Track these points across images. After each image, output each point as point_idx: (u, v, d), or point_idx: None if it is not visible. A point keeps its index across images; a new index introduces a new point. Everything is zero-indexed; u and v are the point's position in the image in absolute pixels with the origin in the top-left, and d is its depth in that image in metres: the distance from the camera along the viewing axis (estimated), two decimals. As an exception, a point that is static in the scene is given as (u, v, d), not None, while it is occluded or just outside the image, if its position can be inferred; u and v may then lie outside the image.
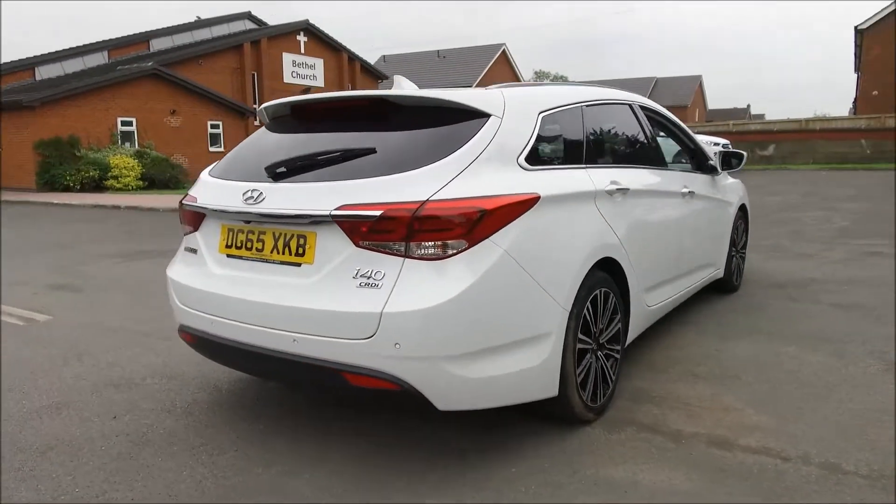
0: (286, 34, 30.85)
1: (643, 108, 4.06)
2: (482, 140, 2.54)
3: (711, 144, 20.19)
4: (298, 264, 2.53)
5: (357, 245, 2.39)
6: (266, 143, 3.08)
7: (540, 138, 2.84)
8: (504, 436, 2.87)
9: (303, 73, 31.64)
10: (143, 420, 3.16)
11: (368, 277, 2.36)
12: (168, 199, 16.26)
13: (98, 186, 20.38)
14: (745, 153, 4.68)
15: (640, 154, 3.86)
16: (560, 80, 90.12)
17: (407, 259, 2.33)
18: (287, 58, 30.87)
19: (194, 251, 2.95)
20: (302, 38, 31.48)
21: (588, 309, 2.83)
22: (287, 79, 30.88)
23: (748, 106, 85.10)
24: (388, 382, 2.34)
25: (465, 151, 2.48)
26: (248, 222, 2.68)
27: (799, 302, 5.09)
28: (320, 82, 32.43)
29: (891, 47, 25.62)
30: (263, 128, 3.25)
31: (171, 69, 24.45)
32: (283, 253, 2.58)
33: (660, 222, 3.76)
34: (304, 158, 2.66)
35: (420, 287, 2.31)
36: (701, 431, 2.89)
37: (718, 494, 2.38)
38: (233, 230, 2.77)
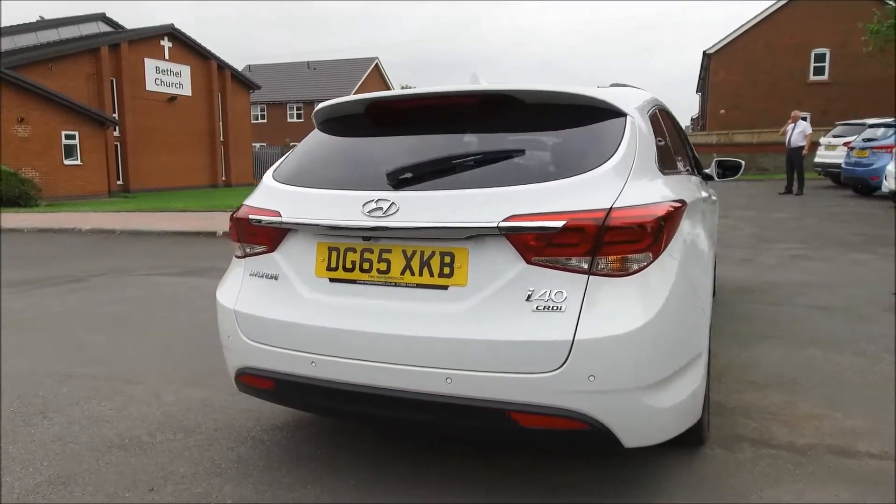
0: (149, 39, 28.55)
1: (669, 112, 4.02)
2: (632, 142, 2.30)
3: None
4: (444, 287, 2.13)
5: (529, 262, 2.04)
6: (351, 147, 2.63)
7: (657, 140, 2.65)
8: (607, 469, 2.62)
9: (168, 80, 29.42)
10: (193, 489, 2.54)
11: (547, 299, 2.02)
12: (32, 218, 14.25)
13: (-71, 206, 17.50)
14: (742, 161, 4.79)
15: (690, 158, 3.81)
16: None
17: (592, 276, 2.02)
18: (150, 64, 28.56)
19: (273, 277, 2.41)
20: (166, 44, 29.29)
21: None
22: (150, 86, 28.56)
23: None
24: (573, 421, 2.01)
25: (624, 154, 2.22)
26: (368, 239, 2.23)
27: (780, 306, 5.31)
28: (187, 91, 30.35)
29: (735, 70, 28.64)
30: (327, 130, 2.76)
31: (18, 73, 21.65)
32: (421, 274, 2.16)
33: (710, 227, 3.72)
34: (438, 163, 2.25)
35: (612, 308, 2.01)
36: (813, 442, 2.84)
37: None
38: (338, 249, 2.29)
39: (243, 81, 33.81)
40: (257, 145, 36.69)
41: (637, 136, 2.35)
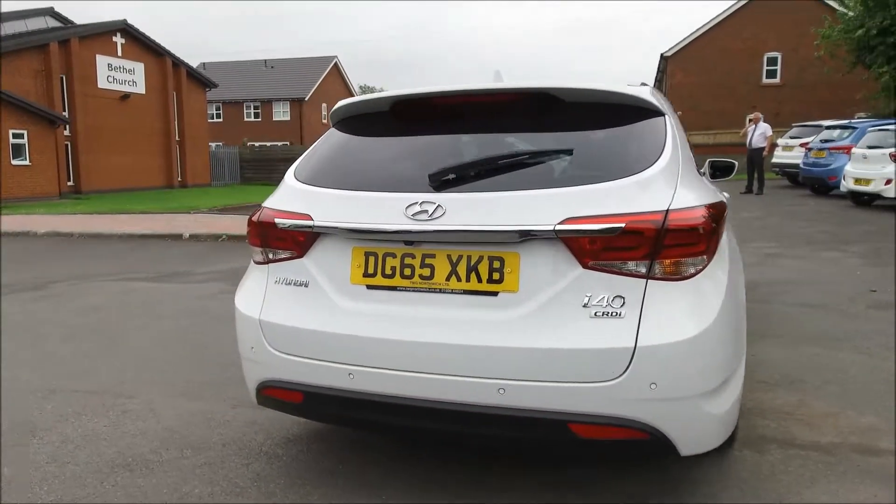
0: (101, 35, 27.47)
1: None
2: (674, 142, 2.25)
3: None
4: (494, 293, 2.03)
5: (586, 266, 1.97)
6: (380, 146, 2.51)
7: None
8: (649, 472, 2.58)
9: (121, 77, 28.40)
10: (215, 510, 2.39)
11: (605, 305, 1.95)
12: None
13: None
14: (735, 162, 4.81)
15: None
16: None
17: (650, 281, 1.96)
18: (102, 61, 27.50)
19: (303, 284, 2.28)
20: (119, 40, 28.25)
21: None
22: (102, 83, 27.51)
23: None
24: (633, 431, 1.95)
25: (671, 155, 2.17)
26: (410, 244, 2.12)
27: (770, 304, 5.38)
28: (141, 88, 29.37)
29: (692, 72, 29.27)
30: (349, 129, 2.63)
31: (-41, 68, 20.57)
32: (468, 280, 2.06)
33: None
34: (482, 163, 2.15)
35: (671, 314, 1.95)
36: (836, 441, 2.85)
37: (933, 508, 2.32)
38: (376, 254, 2.17)
39: (199, 79, 32.90)
40: (213, 145, 35.76)
41: (677, 136, 2.31)
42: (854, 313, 4.97)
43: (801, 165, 15.41)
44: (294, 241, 2.29)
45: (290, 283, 2.31)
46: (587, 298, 1.96)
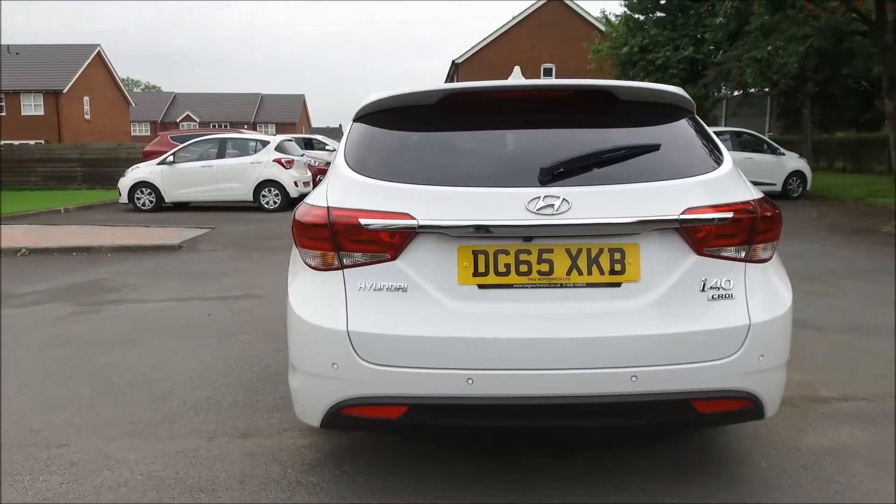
0: None
1: None
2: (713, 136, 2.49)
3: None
4: (617, 284, 2.08)
5: (700, 253, 2.10)
6: (452, 140, 2.38)
7: None
8: (696, 446, 2.84)
9: None
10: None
11: (719, 288, 2.11)
12: None
13: None
14: None
15: None
16: (153, 90, 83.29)
17: (748, 264, 2.16)
18: None
19: (400, 288, 2.09)
20: None
21: None
22: None
23: (339, 126, 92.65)
24: (742, 401, 2.14)
25: (727, 150, 2.40)
26: (529, 239, 2.06)
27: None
28: None
29: (481, 78, 31.24)
30: (393, 122, 2.43)
31: None
32: (590, 273, 2.07)
33: None
34: (587, 158, 2.15)
35: (767, 292, 2.18)
36: (787, 395, 3.33)
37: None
38: (486, 253, 2.08)
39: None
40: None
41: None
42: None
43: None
44: (383, 242, 2.10)
45: (381, 289, 2.10)
46: (703, 283, 2.10)
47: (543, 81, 2.45)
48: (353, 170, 2.28)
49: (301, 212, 2.30)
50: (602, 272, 2.08)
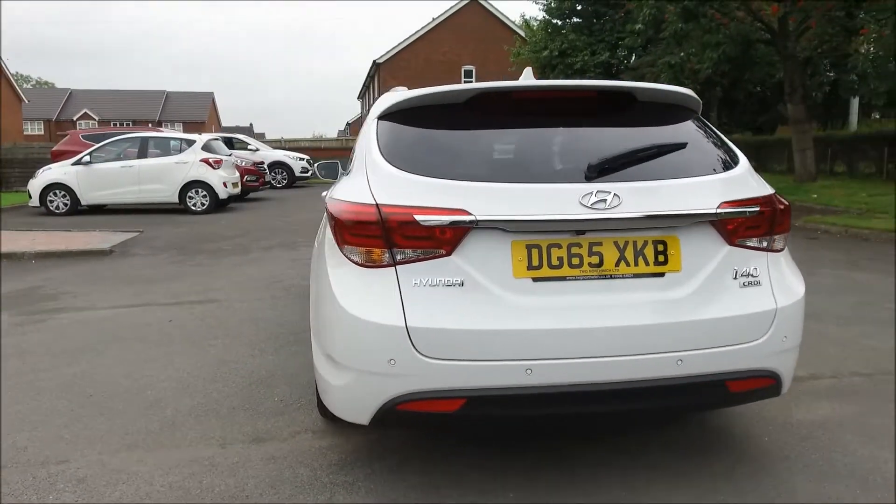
0: None
1: None
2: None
3: (297, 159, 21.14)
4: (661, 274, 2.20)
5: (732, 244, 2.26)
6: (490, 138, 2.43)
7: None
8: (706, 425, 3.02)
9: None
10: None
11: (748, 275, 2.28)
12: None
13: None
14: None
15: None
16: (46, 86, 77.68)
17: (770, 253, 2.35)
18: None
19: (457, 283, 2.12)
20: None
21: None
22: None
23: (251, 125, 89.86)
24: (767, 379, 2.32)
25: (731, 145, 2.58)
26: (581, 233, 2.15)
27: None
28: None
29: (402, 79, 31.30)
30: (423, 120, 2.45)
31: None
32: (637, 264, 2.18)
33: None
34: (628, 155, 2.26)
35: (786, 279, 2.38)
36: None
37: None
38: (539, 247, 2.15)
39: None
40: None
41: None
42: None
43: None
44: (438, 238, 2.12)
45: (437, 284, 2.13)
46: (735, 272, 2.27)
47: (569, 82, 2.54)
48: (395, 166, 2.29)
49: (341, 209, 2.28)
50: (647, 263, 2.20)
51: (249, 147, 20.32)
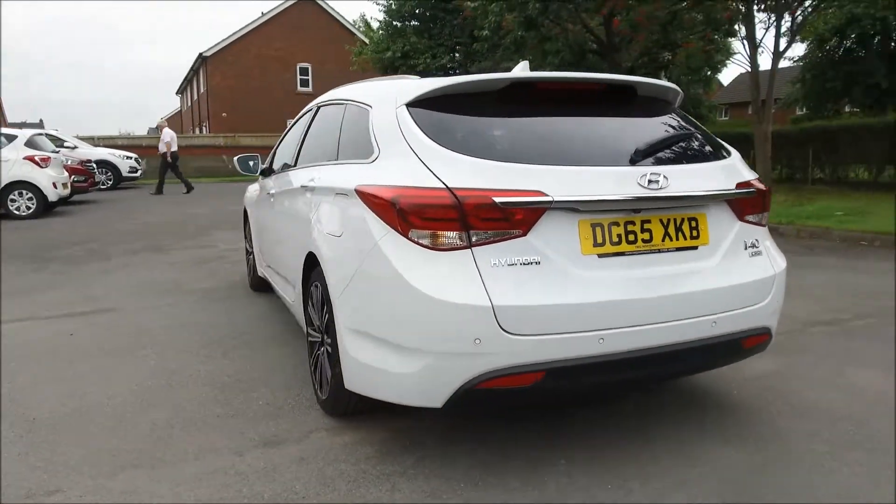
0: None
1: None
2: None
3: (124, 158, 19.37)
4: (695, 247, 2.48)
5: (742, 220, 2.61)
6: (531, 125, 2.57)
7: None
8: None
9: None
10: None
11: (754, 247, 2.64)
12: None
13: None
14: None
15: None
16: None
17: (761, 227, 2.74)
18: None
19: (534, 262, 2.22)
20: None
21: None
22: None
23: (40, 120, 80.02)
24: (766, 335, 2.70)
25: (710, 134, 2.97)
26: (637, 211, 2.35)
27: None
28: None
29: (231, 75, 29.76)
30: (463, 107, 2.52)
31: None
32: (677, 239, 2.45)
33: None
34: (664, 142, 2.57)
35: (773, 250, 2.79)
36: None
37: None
38: (601, 225, 2.32)
39: None
40: None
41: None
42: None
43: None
44: (515, 220, 2.21)
45: (515, 264, 2.21)
46: (745, 243, 2.62)
47: (590, 75, 2.76)
48: (457, 151, 2.32)
49: (400, 193, 2.27)
50: (685, 237, 2.47)
51: (67, 144, 18.11)
